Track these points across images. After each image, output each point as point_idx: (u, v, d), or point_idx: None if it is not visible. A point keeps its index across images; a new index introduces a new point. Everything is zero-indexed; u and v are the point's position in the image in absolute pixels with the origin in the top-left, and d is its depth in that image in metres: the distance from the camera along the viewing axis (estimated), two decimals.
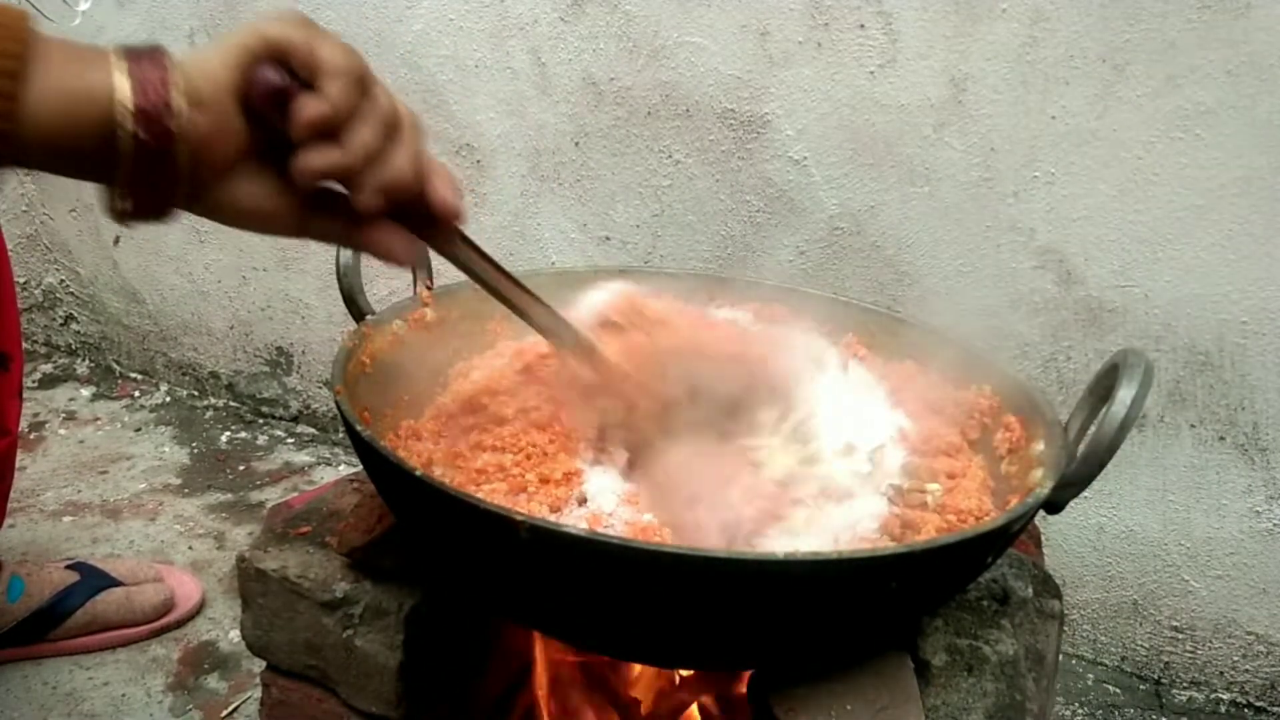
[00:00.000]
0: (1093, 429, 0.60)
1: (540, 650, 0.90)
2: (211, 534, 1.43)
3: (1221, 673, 1.24)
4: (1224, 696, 1.24)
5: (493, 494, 0.63)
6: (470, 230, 0.59)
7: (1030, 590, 0.75)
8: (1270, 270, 1.07)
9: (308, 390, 1.75)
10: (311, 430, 1.77)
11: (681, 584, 0.51)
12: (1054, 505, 0.61)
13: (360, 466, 0.72)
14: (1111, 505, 1.23)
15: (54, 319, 1.97)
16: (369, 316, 0.77)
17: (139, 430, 1.73)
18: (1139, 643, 1.27)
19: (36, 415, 1.74)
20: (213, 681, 1.15)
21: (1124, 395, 0.58)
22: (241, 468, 1.63)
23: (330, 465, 1.66)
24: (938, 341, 0.84)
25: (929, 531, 0.64)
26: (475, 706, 0.85)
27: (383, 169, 0.50)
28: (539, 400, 0.72)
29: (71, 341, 1.98)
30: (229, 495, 1.54)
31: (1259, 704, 1.23)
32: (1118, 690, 1.26)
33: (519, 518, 0.51)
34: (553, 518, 0.62)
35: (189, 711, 1.11)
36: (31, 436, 1.65)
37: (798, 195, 1.25)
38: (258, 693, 0.85)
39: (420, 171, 0.52)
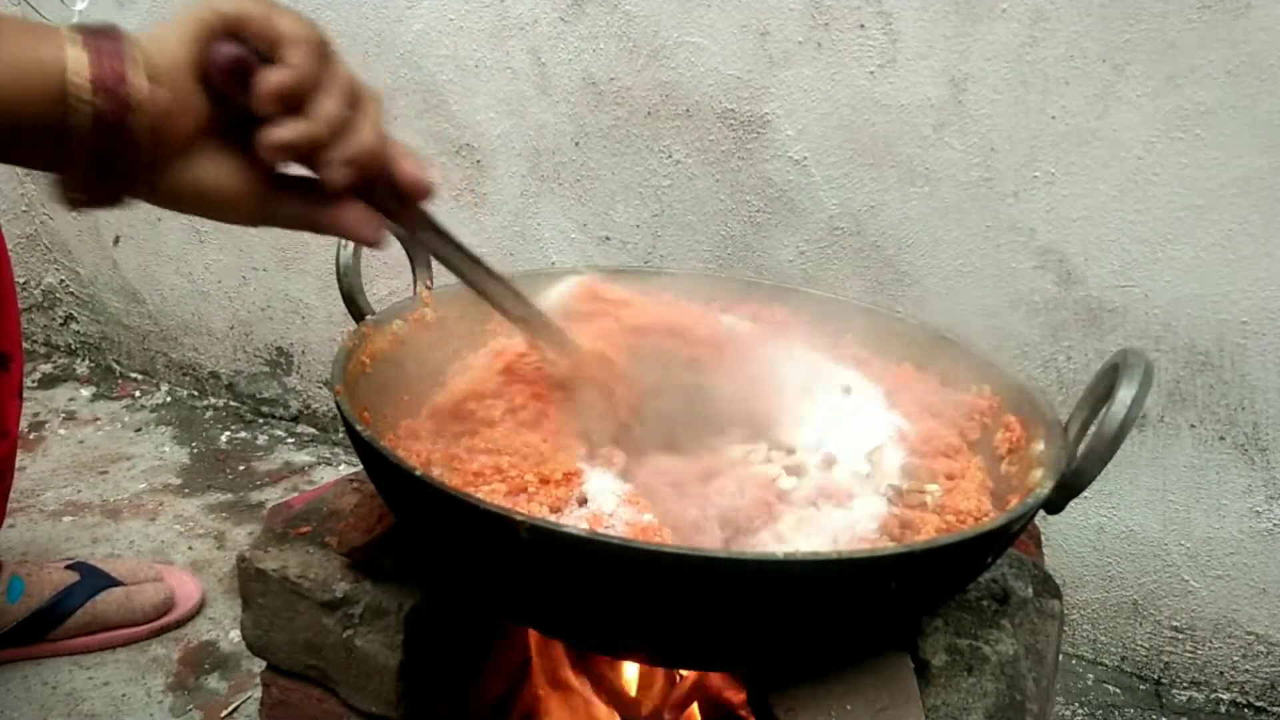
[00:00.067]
0: (1093, 429, 0.60)
1: (540, 650, 0.90)
2: (211, 534, 1.43)
3: (1221, 673, 1.24)
4: (1224, 696, 1.24)
5: (492, 495, 0.63)
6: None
7: (1030, 590, 0.75)
8: (1270, 270, 1.07)
9: (308, 390, 1.75)
10: (311, 430, 1.77)
11: (681, 584, 0.51)
12: (1054, 505, 0.61)
13: (360, 466, 0.72)
14: (1111, 505, 1.23)
15: (54, 319, 1.97)
16: (369, 316, 0.77)
17: (139, 430, 1.73)
18: (1139, 643, 1.27)
19: (36, 415, 1.74)
20: (213, 681, 1.15)
21: (1124, 395, 0.58)
22: (241, 468, 1.63)
23: (330, 465, 1.66)
24: (937, 342, 0.84)
25: (928, 532, 0.64)
26: (475, 706, 0.85)
27: (350, 140, 0.49)
28: (524, 399, 0.72)
29: (71, 341, 1.98)
30: (229, 495, 1.54)
31: (1259, 704, 1.23)
32: (1118, 690, 1.26)
33: (519, 518, 0.51)
34: (553, 518, 0.62)
35: (189, 711, 1.11)
36: (31, 436, 1.66)
37: (798, 195, 1.25)
38: (258, 693, 0.85)
39: (384, 144, 0.51)
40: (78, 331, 1.96)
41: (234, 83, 0.46)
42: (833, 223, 1.24)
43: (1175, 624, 1.25)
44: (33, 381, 1.87)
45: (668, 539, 0.60)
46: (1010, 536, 0.60)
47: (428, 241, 0.58)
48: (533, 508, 0.62)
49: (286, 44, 0.46)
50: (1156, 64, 1.04)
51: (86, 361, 1.96)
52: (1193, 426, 1.16)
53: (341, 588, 0.73)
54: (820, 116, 1.20)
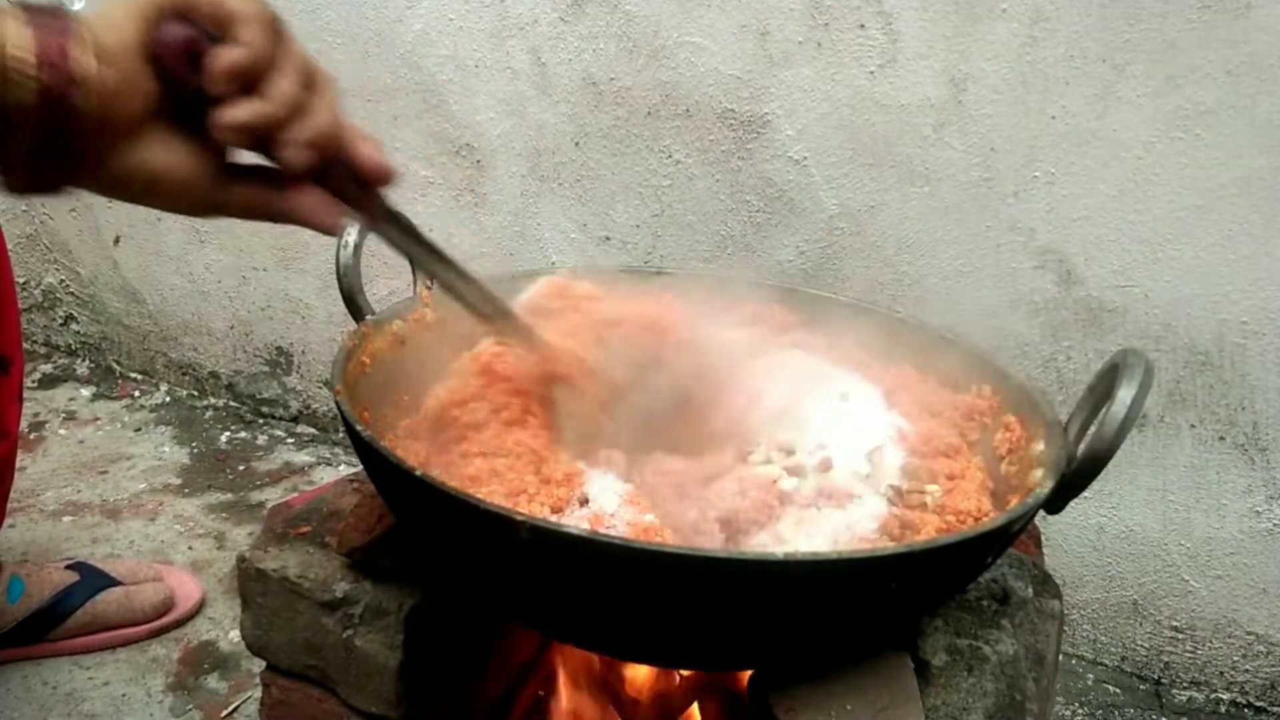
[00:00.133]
0: (1093, 429, 0.60)
1: (545, 652, 0.90)
2: (211, 534, 1.43)
3: (1221, 673, 1.24)
4: (1224, 696, 1.24)
5: (491, 495, 0.63)
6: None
7: (1030, 590, 0.75)
8: (1270, 270, 1.07)
9: (308, 390, 1.75)
10: (311, 430, 1.77)
11: (682, 584, 0.51)
12: (1054, 505, 0.61)
13: (360, 466, 0.72)
14: (1111, 505, 1.23)
15: (54, 319, 1.97)
16: (369, 316, 0.77)
17: (139, 430, 1.73)
18: (1139, 643, 1.27)
19: (36, 415, 1.74)
20: (213, 681, 1.15)
21: (1124, 395, 0.58)
22: (241, 468, 1.63)
23: (330, 465, 1.66)
24: (937, 342, 0.84)
25: (928, 532, 0.64)
26: (475, 706, 0.85)
27: (307, 120, 0.47)
28: (506, 397, 0.71)
29: (71, 341, 1.98)
30: (229, 495, 1.54)
31: (1259, 704, 1.23)
32: (1118, 690, 1.26)
33: (519, 518, 0.51)
34: (554, 518, 0.62)
35: (189, 711, 1.11)
36: (31, 436, 1.66)
37: (798, 195, 1.25)
38: (258, 693, 0.85)
39: (343, 127, 0.49)
40: (78, 331, 1.96)
41: (185, 63, 0.45)
42: (833, 223, 1.24)
43: (1175, 624, 1.25)
44: (33, 381, 1.87)
45: (669, 539, 0.60)
46: (1010, 536, 0.60)
47: (386, 231, 0.56)
48: (534, 508, 0.62)
49: (238, 22, 0.45)
50: (1156, 64, 1.04)
51: (86, 361, 1.96)
52: (1193, 426, 1.16)
53: (341, 588, 0.73)
54: (820, 116, 1.20)
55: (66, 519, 1.44)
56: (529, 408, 0.71)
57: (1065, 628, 1.29)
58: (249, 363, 1.79)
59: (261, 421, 1.79)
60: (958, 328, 0.85)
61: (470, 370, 0.75)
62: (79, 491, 1.51)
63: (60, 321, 1.97)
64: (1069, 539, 1.27)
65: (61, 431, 1.70)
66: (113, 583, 1.19)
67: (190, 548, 1.39)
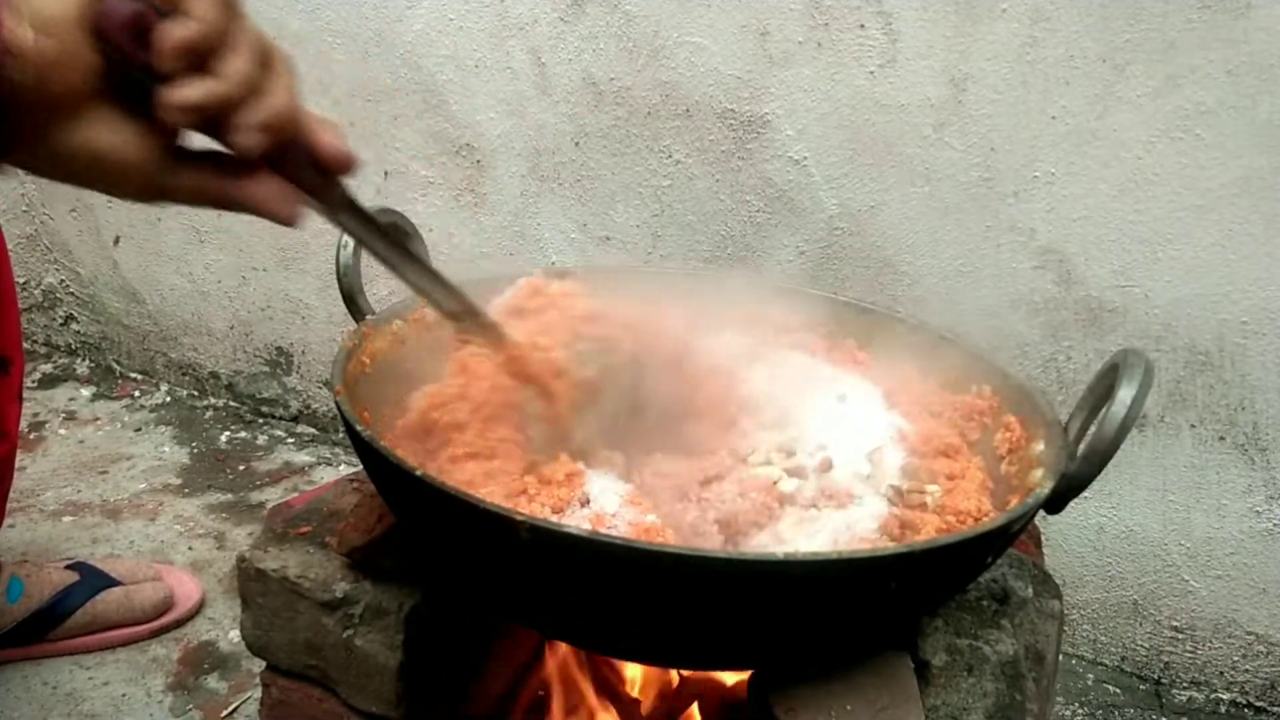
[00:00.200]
0: (1093, 429, 0.60)
1: (545, 652, 0.90)
2: (211, 534, 1.43)
3: (1221, 673, 1.24)
4: (1224, 696, 1.24)
5: (490, 497, 0.63)
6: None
7: (1030, 590, 0.75)
8: (1270, 270, 1.07)
9: (308, 390, 1.75)
10: (311, 430, 1.77)
11: (681, 584, 0.51)
12: (1054, 505, 0.61)
13: (360, 466, 0.72)
14: (1111, 505, 1.23)
15: (54, 319, 1.97)
16: (369, 316, 0.77)
17: (139, 430, 1.73)
18: (1139, 643, 1.27)
19: (36, 415, 1.74)
20: (213, 681, 1.15)
21: (1124, 395, 0.58)
22: (241, 468, 1.63)
23: (330, 465, 1.66)
24: (937, 342, 0.84)
25: (928, 532, 0.64)
26: (475, 706, 0.85)
27: (262, 102, 0.44)
28: (484, 393, 0.71)
29: (71, 341, 1.98)
30: (229, 495, 1.54)
31: (1259, 704, 1.23)
32: (1118, 690, 1.26)
33: (519, 518, 0.51)
34: (555, 518, 0.62)
35: (189, 711, 1.11)
36: (31, 436, 1.65)
37: (798, 195, 1.25)
38: (258, 693, 0.85)
39: (301, 110, 0.47)
40: (78, 331, 1.96)
41: (130, 38, 0.42)
42: (833, 223, 1.24)
43: (1175, 624, 1.25)
44: (33, 381, 1.87)
45: (670, 539, 0.60)
46: (1010, 536, 0.60)
47: (346, 222, 0.54)
48: (534, 508, 0.62)
49: None
50: (1156, 64, 1.04)
51: (86, 361, 1.96)
52: (1193, 426, 1.16)
53: (341, 588, 0.73)
54: (820, 116, 1.20)
55: (66, 519, 1.44)
56: (508, 402, 0.70)
57: (1065, 628, 1.29)
58: (249, 363, 1.79)
59: (261, 421, 1.79)
60: (958, 328, 0.85)
61: (450, 371, 0.75)
62: (79, 491, 1.51)
63: (60, 321, 1.97)
64: (1069, 539, 1.27)
65: (61, 431, 1.70)
66: (112, 583, 1.19)
67: (190, 548, 1.39)
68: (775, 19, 1.18)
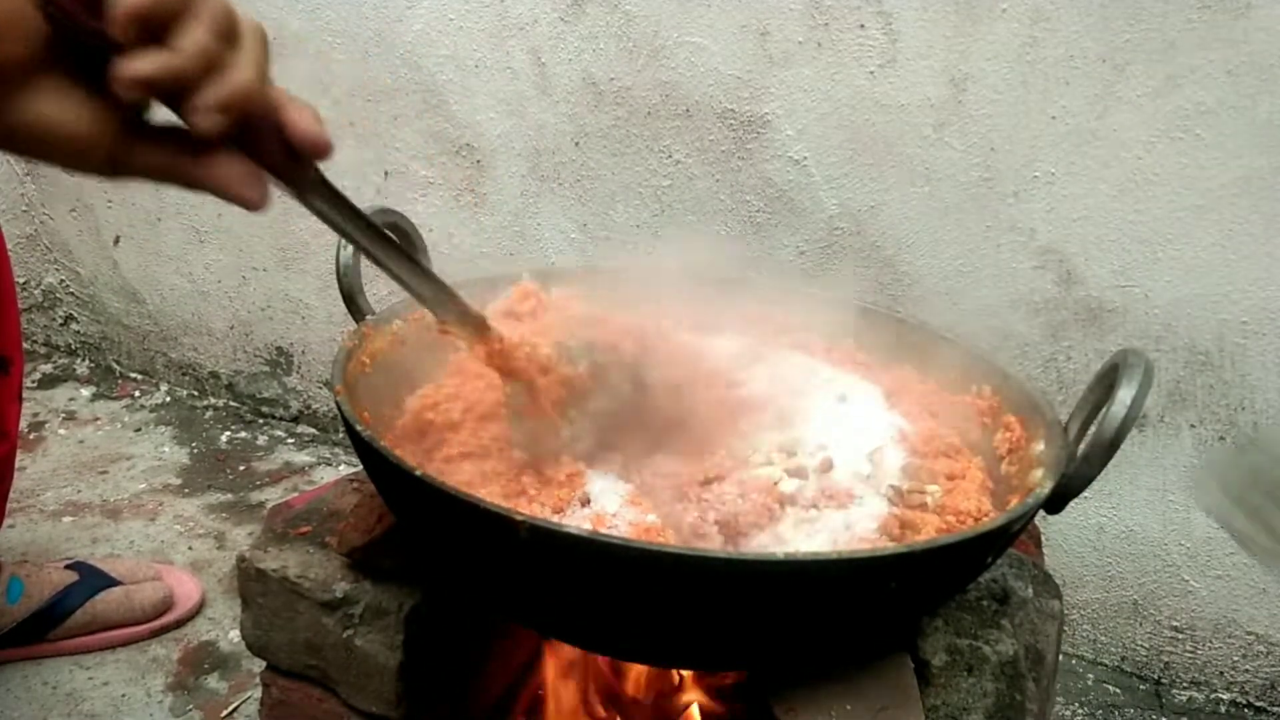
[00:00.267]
0: (1093, 429, 0.60)
1: (544, 652, 0.90)
2: (211, 534, 1.43)
3: (1221, 673, 1.24)
4: (1224, 696, 1.24)
5: (489, 497, 0.63)
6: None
7: (1030, 590, 0.75)
8: (1270, 270, 1.07)
9: (308, 390, 1.75)
10: (311, 430, 1.77)
11: (681, 584, 0.51)
12: (1054, 505, 0.61)
13: (360, 466, 0.72)
14: (1111, 505, 1.23)
15: (54, 319, 1.97)
16: (369, 316, 0.77)
17: (139, 430, 1.73)
18: (1139, 643, 1.27)
19: (36, 415, 1.74)
20: (213, 681, 1.15)
21: (1124, 395, 0.58)
22: (241, 468, 1.63)
23: (330, 465, 1.66)
24: (937, 342, 0.84)
25: (928, 532, 0.64)
26: (475, 706, 0.85)
27: (223, 79, 0.42)
28: (478, 392, 0.70)
29: (71, 341, 1.98)
30: (229, 495, 1.54)
31: (1259, 704, 1.23)
32: (1118, 690, 1.26)
33: (519, 518, 0.51)
34: (556, 518, 0.62)
35: (189, 711, 1.11)
36: (31, 436, 1.65)
37: (798, 195, 1.25)
38: (258, 693, 0.85)
39: (268, 89, 0.44)
40: (78, 331, 1.96)
41: (81, 4, 0.40)
42: (833, 223, 1.24)
43: (1175, 624, 1.25)
44: (33, 381, 1.87)
45: (671, 540, 0.60)
46: (1010, 536, 0.60)
47: (319, 207, 0.51)
48: (534, 508, 0.62)
49: None
50: (1156, 64, 1.04)
51: (86, 361, 1.96)
52: (1193, 426, 1.16)
53: (341, 588, 0.73)
54: (820, 116, 1.20)
55: (66, 519, 1.44)
56: (502, 400, 0.68)
57: (1065, 628, 1.29)
58: (249, 363, 1.79)
59: (261, 421, 1.79)
60: (958, 328, 0.85)
61: (447, 371, 0.75)
62: (79, 491, 1.51)
63: (60, 321, 1.97)
64: (1069, 539, 1.27)
65: (61, 431, 1.70)
66: (112, 582, 1.19)
67: (190, 548, 1.39)
68: (775, 19, 1.18)
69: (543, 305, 0.80)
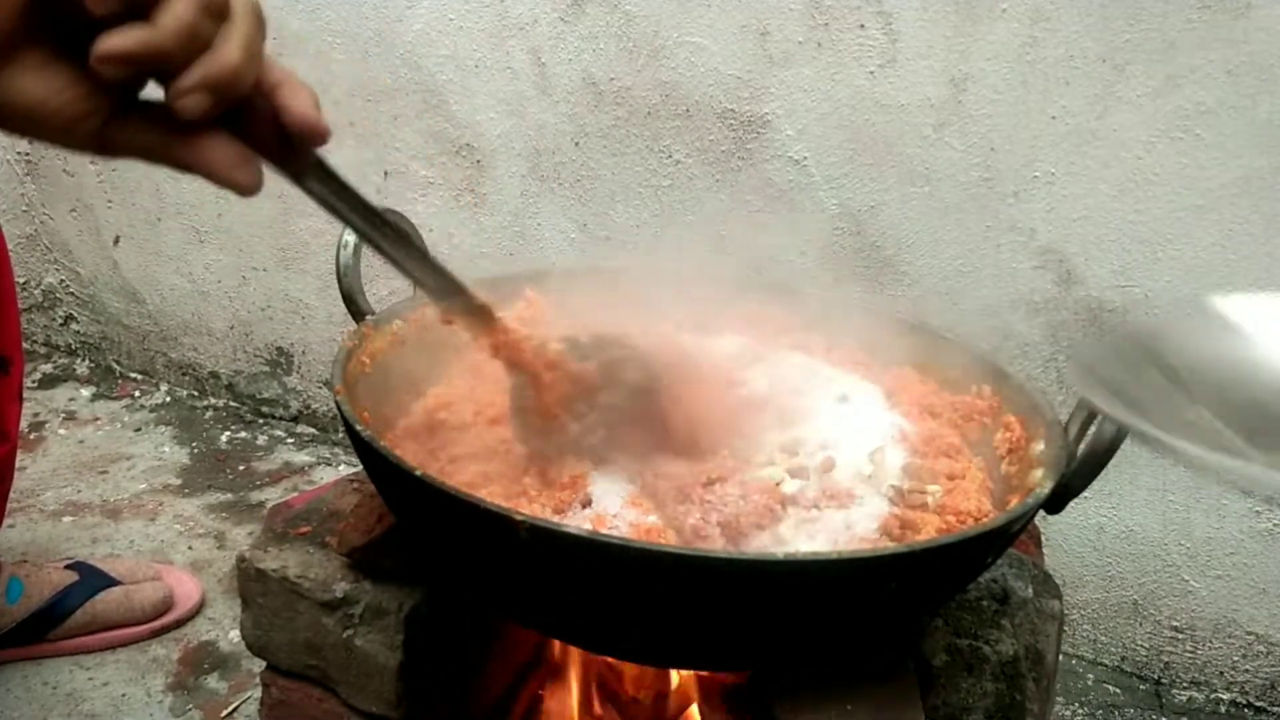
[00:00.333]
0: (1093, 429, 0.60)
1: (544, 652, 0.90)
2: (211, 534, 1.43)
3: (1221, 673, 1.24)
4: (1224, 696, 1.24)
5: (490, 497, 0.63)
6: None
7: (1030, 590, 0.75)
8: (1270, 270, 1.07)
9: (308, 390, 1.75)
10: (311, 430, 1.77)
11: (681, 584, 0.51)
12: (1054, 505, 0.61)
13: (360, 466, 0.72)
14: (1111, 505, 1.23)
15: (54, 319, 1.97)
16: (369, 316, 0.77)
17: (139, 430, 1.73)
18: (1139, 643, 1.27)
19: (36, 415, 1.74)
20: (213, 681, 1.15)
21: None
22: (241, 468, 1.63)
23: (330, 465, 1.66)
24: (937, 342, 0.84)
25: (929, 532, 0.64)
26: (475, 706, 0.85)
27: (208, 58, 0.40)
28: (491, 396, 0.70)
29: (71, 341, 1.98)
30: (229, 495, 1.54)
31: (1259, 704, 1.23)
32: (1118, 690, 1.26)
33: (519, 518, 0.50)
34: (556, 519, 0.62)
35: (189, 711, 1.11)
36: (31, 436, 1.65)
37: (798, 195, 1.25)
38: (258, 693, 0.85)
39: (258, 68, 0.43)
40: (78, 331, 1.96)
41: None
42: (833, 223, 1.24)
43: (1175, 624, 1.24)
44: (33, 381, 1.87)
45: (672, 540, 0.60)
46: (1010, 536, 0.59)
47: (318, 192, 0.49)
48: (535, 509, 0.62)
49: None
50: (1156, 64, 1.04)
51: (86, 361, 1.96)
52: None
53: (341, 588, 0.73)
54: (820, 116, 1.20)
55: (66, 519, 1.44)
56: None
57: (1065, 628, 1.29)
58: (249, 363, 1.79)
59: (261, 421, 1.79)
60: (958, 328, 0.85)
61: (459, 371, 0.75)
62: (79, 491, 1.51)
63: (60, 321, 1.97)
64: (1069, 539, 1.27)
65: (61, 431, 1.70)
66: (112, 582, 1.19)
67: (190, 548, 1.39)
68: (775, 19, 1.18)
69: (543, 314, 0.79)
